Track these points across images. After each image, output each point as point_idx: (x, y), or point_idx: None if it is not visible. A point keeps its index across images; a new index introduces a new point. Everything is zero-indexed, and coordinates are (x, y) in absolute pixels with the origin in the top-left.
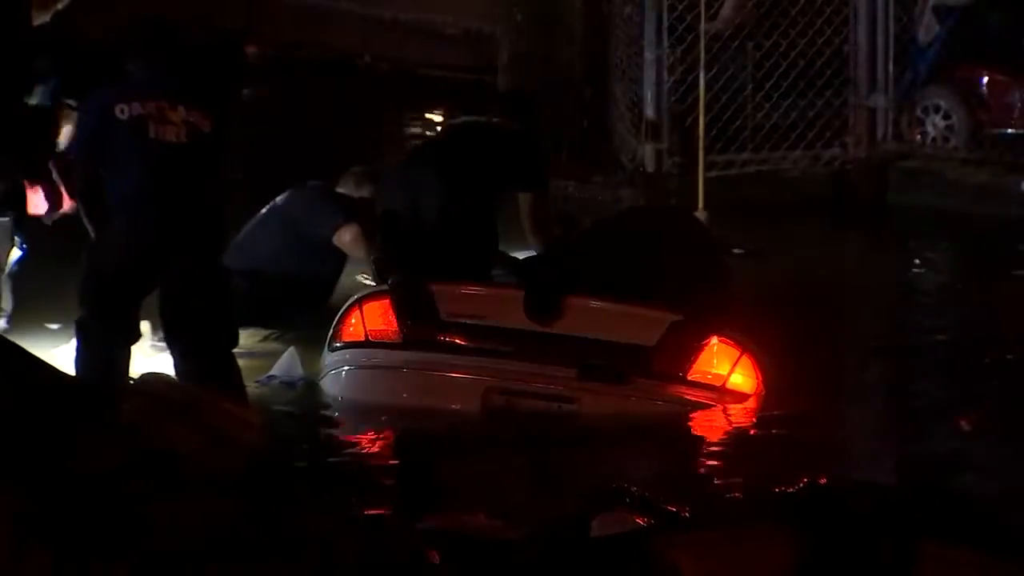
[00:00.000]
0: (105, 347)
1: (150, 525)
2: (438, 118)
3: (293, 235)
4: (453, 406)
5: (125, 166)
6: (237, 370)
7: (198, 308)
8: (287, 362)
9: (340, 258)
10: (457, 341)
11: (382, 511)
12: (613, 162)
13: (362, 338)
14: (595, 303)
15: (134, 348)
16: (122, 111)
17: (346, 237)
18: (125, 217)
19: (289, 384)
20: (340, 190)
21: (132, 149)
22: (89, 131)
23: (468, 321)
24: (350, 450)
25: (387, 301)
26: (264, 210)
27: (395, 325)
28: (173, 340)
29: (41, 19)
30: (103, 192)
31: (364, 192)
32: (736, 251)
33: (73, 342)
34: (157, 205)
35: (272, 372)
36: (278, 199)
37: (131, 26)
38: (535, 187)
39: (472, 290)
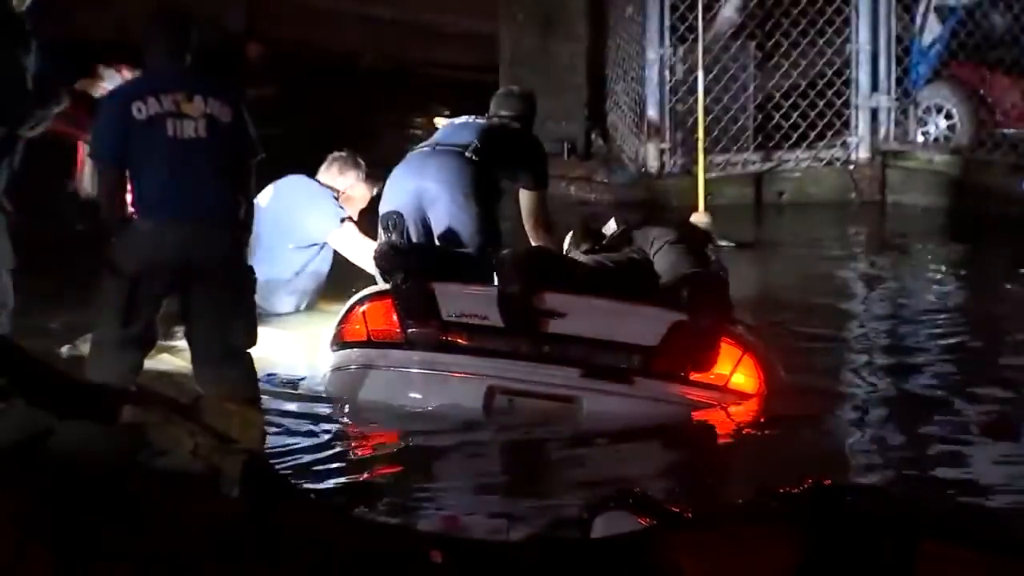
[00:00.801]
0: (119, 350)
1: (151, 525)
2: (439, 117)
3: (282, 235)
4: (456, 406)
5: (145, 166)
6: (254, 370)
7: (220, 309)
8: (286, 362)
9: (330, 255)
10: (459, 341)
11: (382, 511)
12: (614, 162)
13: (364, 338)
14: (597, 303)
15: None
16: (139, 110)
17: (343, 239)
18: (147, 217)
19: (290, 384)
20: (322, 177)
21: (151, 149)
22: (108, 131)
23: (470, 321)
24: (351, 450)
25: (389, 301)
26: None
27: (397, 325)
28: (193, 339)
29: (24, 2)
30: (124, 192)
31: (348, 178)
32: (723, 244)
33: (75, 342)
34: (178, 204)
35: (272, 372)
36: (261, 198)
37: (145, 20)
38: (536, 186)
39: (474, 290)
